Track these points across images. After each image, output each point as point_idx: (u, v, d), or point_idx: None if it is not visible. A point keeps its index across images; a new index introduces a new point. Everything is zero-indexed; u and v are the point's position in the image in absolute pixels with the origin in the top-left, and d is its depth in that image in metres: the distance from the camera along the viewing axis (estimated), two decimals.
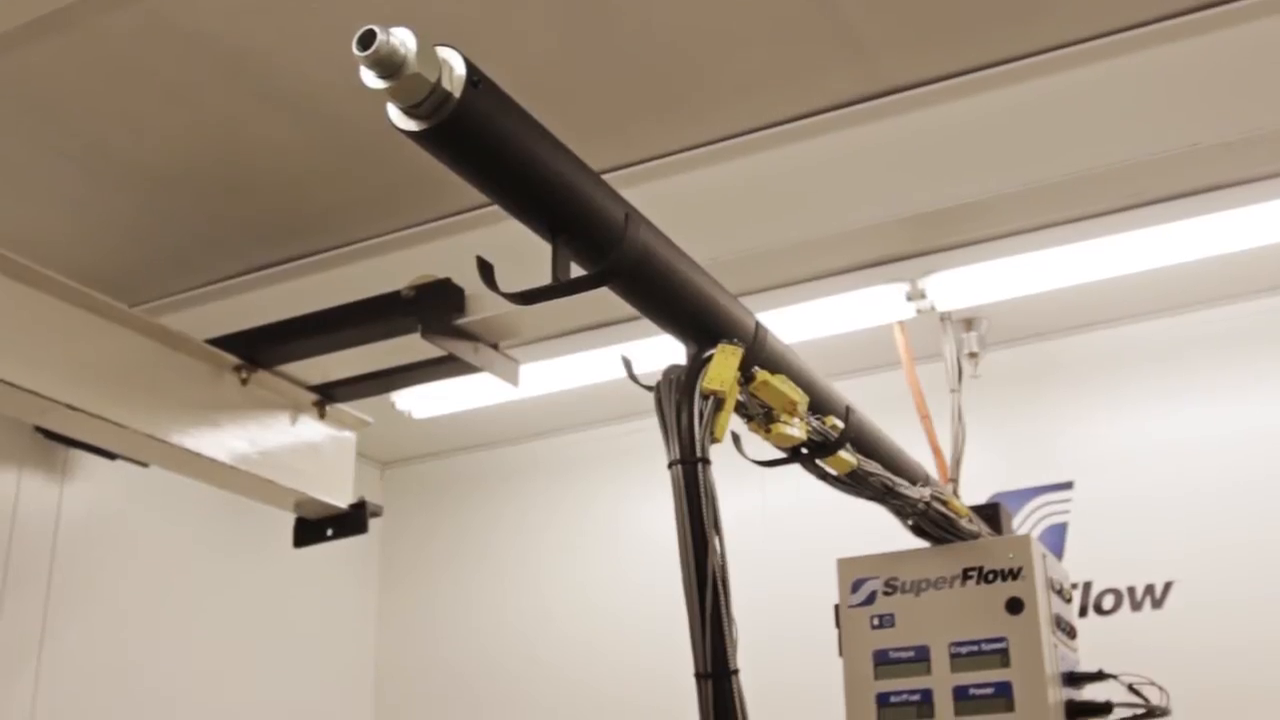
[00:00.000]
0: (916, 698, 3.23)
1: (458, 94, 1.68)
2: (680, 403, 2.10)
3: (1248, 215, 3.61)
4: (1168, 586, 4.37)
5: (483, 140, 1.76)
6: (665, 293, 2.19)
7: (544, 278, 1.96)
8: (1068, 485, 4.61)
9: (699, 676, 2.00)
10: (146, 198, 3.82)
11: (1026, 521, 4.56)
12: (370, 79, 1.63)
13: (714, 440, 2.08)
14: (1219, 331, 4.51)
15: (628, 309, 2.26)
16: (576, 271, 2.01)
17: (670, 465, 2.07)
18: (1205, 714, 3.88)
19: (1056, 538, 4.51)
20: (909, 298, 3.92)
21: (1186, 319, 4.55)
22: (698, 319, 2.27)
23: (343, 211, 3.90)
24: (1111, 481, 4.54)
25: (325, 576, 5.48)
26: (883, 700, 3.27)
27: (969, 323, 4.47)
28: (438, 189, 3.64)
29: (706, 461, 2.05)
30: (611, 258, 2.00)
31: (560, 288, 1.94)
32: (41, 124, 3.47)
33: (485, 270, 1.97)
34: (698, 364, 2.17)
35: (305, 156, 3.62)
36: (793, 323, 3.73)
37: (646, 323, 2.40)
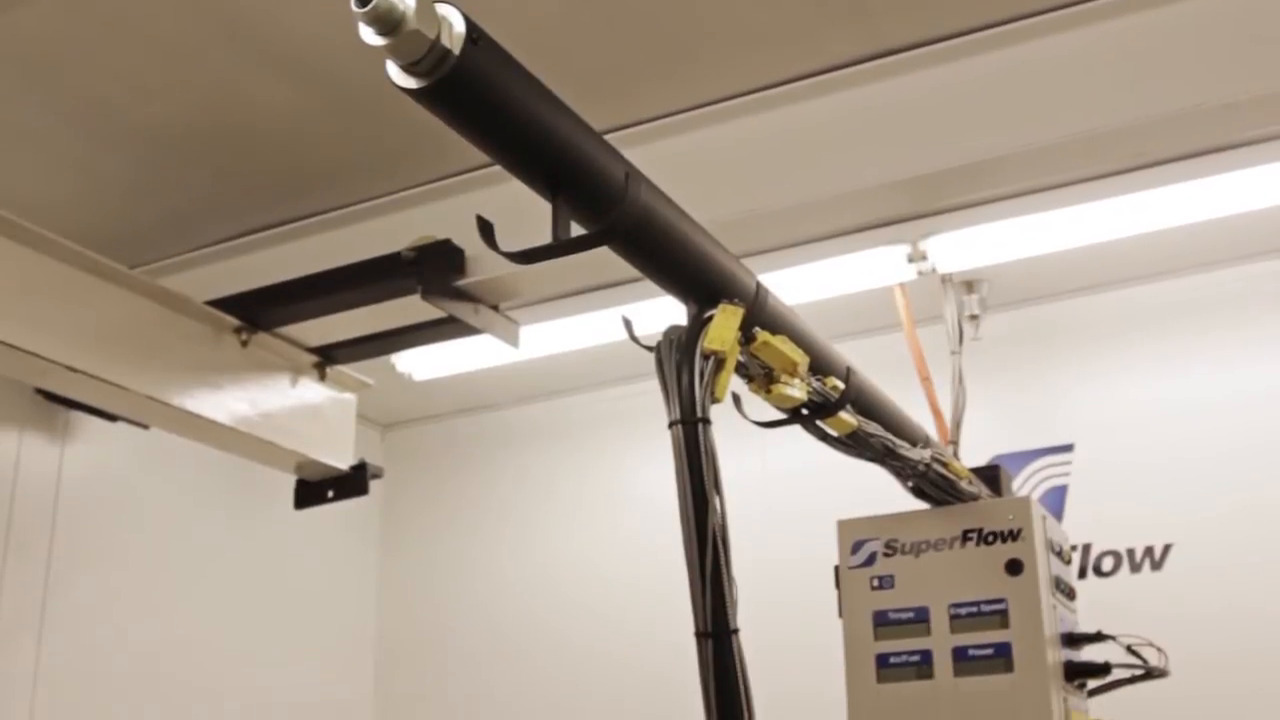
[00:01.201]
0: (916, 658, 3.24)
1: (457, 51, 1.67)
2: (681, 363, 2.09)
3: (1251, 177, 3.61)
4: (1167, 549, 4.39)
5: (482, 97, 1.75)
6: (666, 252, 2.19)
7: (544, 238, 1.95)
8: (1068, 448, 4.61)
9: (699, 635, 2.01)
10: (146, 159, 3.80)
11: (1027, 484, 4.57)
12: (369, 35, 1.62)
13: (714, 400, 2.08)
14: (1221, 294, 4.50)
15: (628, 270, 2.25)
16: (577, 231, 2.01)
17: (671, 425, 2.06)
18: (1203, 675, 3.90)
19: (1056, 500, 4.52)
20: (910, 259, 3.92)
21: (1188, 282, 4.54)
22: (698, 279, 2.26)
23: (343, 172, 3.88)
24: (1112, 444, 4.55)
25: (326, 539, 5.49)
26: (882, 661, 3.28)
27: (970, 285, 4.47)
28: (438, 149, 3.63)
29: (707, 421, 2.05)
30: (612, 216, 1.99)
31: (560, 247, 1.93)
32: (41, 85, 3.46)
33: (485, 229, 1.96)
34: (698, 324, 2.17)
35: (306, 117, 3.61)
36: (793, 284, 3.72)
37: (647, 284, 2.39)
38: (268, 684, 5.14)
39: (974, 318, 4.44)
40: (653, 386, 2.14)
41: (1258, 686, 4.09)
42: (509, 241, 2.00)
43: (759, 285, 2.42)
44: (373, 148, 3.76)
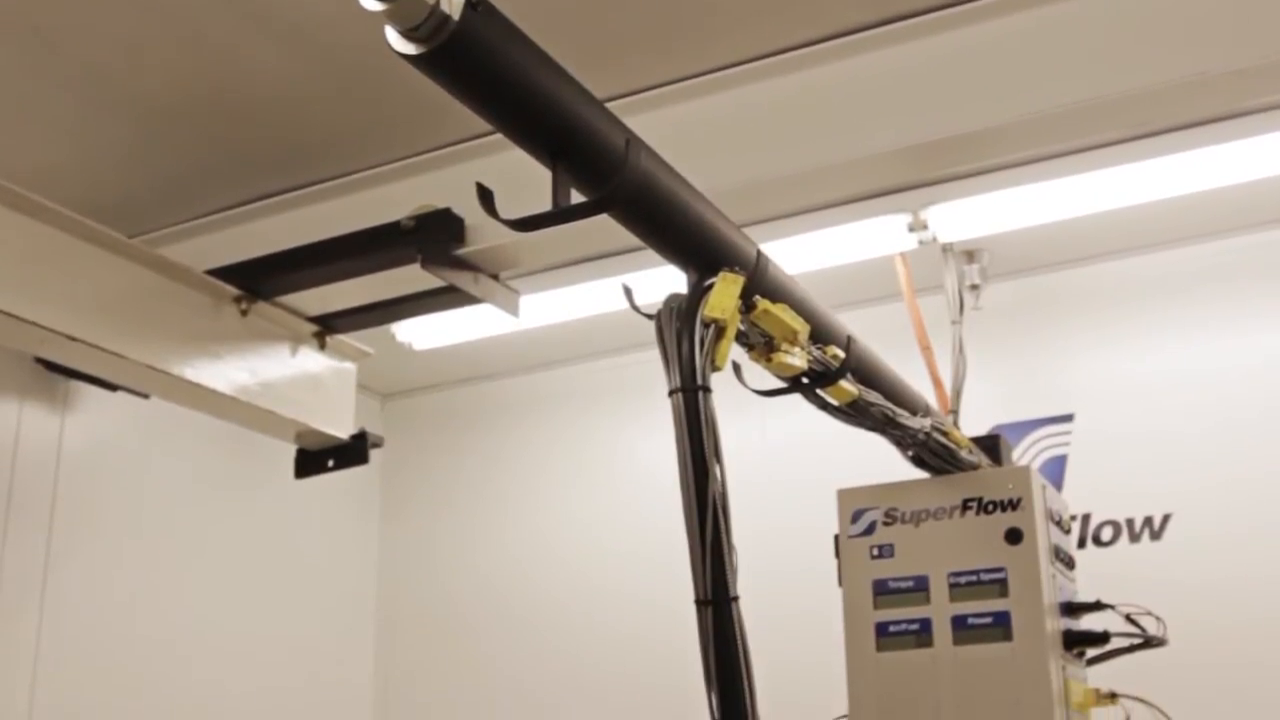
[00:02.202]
0: (915, 627, 3.25)
1: (457, 16, 1.66)
2: (681, 331, 2.09)
3: (1253, 146, 3.60)
4: (1166, 519, 4.39)
5: (482, 63, 1.75)
6: (666, 220, 2.18)
7: (545, 207, 1.95)
8: (1068, 418, 4.61)
9: (699, 603, 2.01)
10: (145, 127, 3.79)
11: (1026, 454, 4.57)
12: (368, 0, 1.61)
13: (715, 368, 2.08)
14: (1222, 264, 4.49)
15: (628, 240, 2.25)
16: (577, 198, 2.00)
17: (671, 393, 2.06)
18: (1201, 645, 3.91)
19: (1056, 470, 4.52)
20: (911, 229, 3.92)
21: (1190, 252, 4.53)
22: (699, 247, 2.26)
23: (342, 140, 3.87)
24: (1112, 414, 4.55)
25: (327, 508, 5.50)
26: (882, 629, 3.29)
27: (971, 254, 4.46)
28: (438, 117, 3.61)
29: (707, 389, 2.05)
30: (612, 184, 1.99)
31: (560, 214, 1.93)
32: (38, 52, 3.44)
33: (485, 196, 1.96)
34: (699, 292, 2.17)
35: (305, 84, 3.59)
36: (794, 253, 3.71)
37: (647, 254, 2.38)
38: (268, 653, 5.16)
39: (975, 287, 4.43)
40: (653, 356, 2.14)
41: (1256, 656, 4.10)
42: (509, 210, 2.00)
43: (760, 253, 2.42)
44: (372, 116, 3.75)
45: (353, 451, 4.44)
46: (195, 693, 4.79)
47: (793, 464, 4.83)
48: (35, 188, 3.52)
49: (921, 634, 3.24)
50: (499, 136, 1.96)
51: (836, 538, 3.43)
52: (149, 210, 4.22)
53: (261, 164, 3.98)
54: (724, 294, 2.14)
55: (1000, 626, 3.17)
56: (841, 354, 2.63)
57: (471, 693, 5.49)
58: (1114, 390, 4.58)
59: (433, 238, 3.65)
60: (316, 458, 4.49)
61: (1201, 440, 4.38)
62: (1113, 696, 3.33)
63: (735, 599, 2.02)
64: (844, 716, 3.32)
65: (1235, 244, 4.48)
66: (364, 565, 5.83)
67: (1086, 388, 4.63)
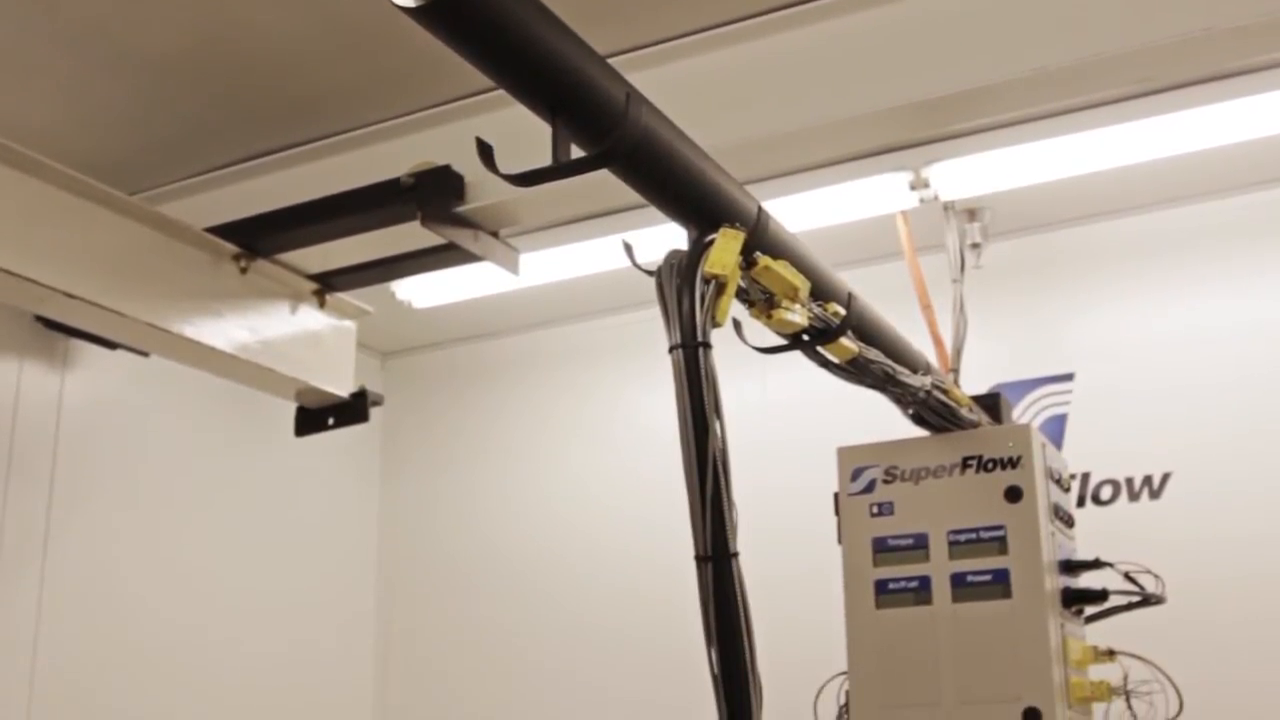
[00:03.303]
0: (915, 584, 3.26)
1: None
2: (681, 287, 2.09)
3: (1256, 104, 3.58)
4: (1165, 478, 4.40)
5: (481, 16, 1.74)
6: (666, 175, 2.18)
7: (545, 164, 1.94)
8: (1068, 377, 4.61)
9: (699, 559, 2.02)
10: (144, 84, 3.77)
11: (1027, 412, 4.57)
12: None
13: (715, 325, 2.08)
14: (1224, 223, 4.48)
15: (629, 197, 2.24)
16: (577, 154, 1.99)
17: (671, 350, 2.06)
18: (1199, 603, 3.93)
19: (1056, 429, 4.52)
20: (912, 187, 3.90)
21: (1191, 210, 4.52)
22: (699, 203, 2.25)
23: (342, 97, 3.85)
24: (1112, 373, 4.54)
25: (327, 467, 5.51)
26: (881, 587, 3.30)
27: (972, 213, 4.44)
28: (437, 73, 3.59)
29: (707, 346, 2.05)
30: (612, 138, 1.98)
31: (560, 169, 1.92)
32: (35, 9, 3.42)
33: (484, 151, 1.95)
34: (699, 248, 2.16)
35: (304, 41, 3.57)
36: (795, 211, 3.69)
37: (648, 212, 2.38)
38: (269, 610, 5.18)
39: (976, 246, 4.42)
40: (654, 314, 2.14)
41: (1253, 613, 4.12)
42: (509, 166, 1.99)
43: (760, 210, 2.41)
44: (372, 72, 3.73)
45: (353, 409, 4.44)
46: (196, 649, 4.80)
47: (793, 422, 4.83)
48: (34, 145, 3.50)
49: (921, 591, 3.25)
50: (499, 93, 1.95)
51: (836, 495, 3.44)
52: (148, 167, 4.21)
53: (261, 121, 3.97)
54: (724, 250, 2.14)
55: (999, 584, 3.18)
56: (842, 311, 2.63)
57: (472, 650, 5.52)
58: (1114, 349, 4.57)
59: (432, 195, 3.64)
60: (317, 416, 4.49)
61: (1201, 399, 4.38)
62: (1111, 654, 3.35)
63: (735, 555, 2.02)
64: (843, 673, 3.33)
65: (1237, 202, 4.46)
66: (364, 523, 5.84)
67: (1087, 347, 4.62)
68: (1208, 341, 4.43)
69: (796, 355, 2.65)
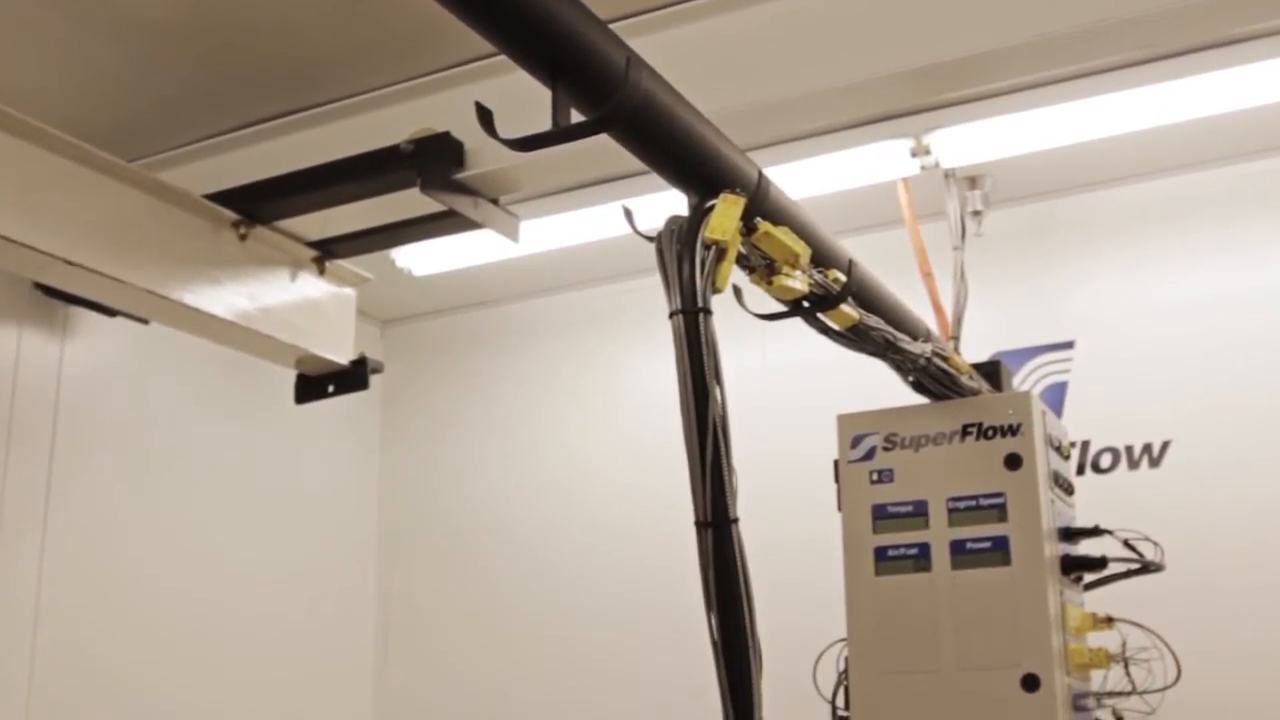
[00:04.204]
0: (914, 551, 3.27)
1: None
2: (682, 253, 2.09)
3: (1259, 71, 3.57)
4: (1165, 446, 4.40)
5: None
6: (667, 140, 2.17)
7: (545, 130, 1.93)
8: (1069, 345, 4.60)
9: (699, 525, 2.02)
10: (141, 48, 3.75)
11: (1027, 380, 4.57)
12: None
13: (715, 290, 2.08)
14: (1225, 191, 4.47)
15: (629, 164, 2.23)
16: (577, 119, 1.99)
17: (671, 315, 2.06)
18: (1198, 570, 3.94)
19: (1056, 397, 4.52)
20: (913, 154, 3.89)
21: (1193, 178, 4.50)
22: (699, 168, 2.24)
23: (341, 63, 3.83)
24: (1112, 341, 4.54)
25: (327, 435, 5.51)
26: (880, 554, 3.31)
27: (973, 180, 4.44)
28: (438, 38, 3.57)
29: (708, 311, 2.05)
30: (612, 103, 1.97)
31: (560, 133, 1.92)
32: None
33: (484, 116, 1.95)
34: (699, 213, 2.16)
35: (304, 5, 3.54)
36: (795, 178, 3.68)
37: (648, 179, 2.37)
38: (270, 577, 5.18)
39: (977, 213, 4.42)
40: (654, 282, 2.14)
41: (1252, 581, 4.12)
42: (509, 133, 1.99)
43: (761, 175, 2.41)
44: (371, 37, 3.71)
45: (353, 377, 4.44)
46: (196, 617, 4.82)
47: (793, 389, 4.82)
48: (30, 111, 3.48)
49: (920, 558, 3.26)
50: (500, 59, 1.95)
51: (836, 463, 3.44)
52: (146, 134, 4.19)
53: (260, 87, 3.95)
54: (725, 215, 2.14)
55: (999, 551, 3.19)
56: (843, 277, 2.62)
57: (472, 617, 5.53)
58: (1115, 317, 4.57)
59: (432, 161, 3.62)
60: (316, 383, 4.48)
61: (1202, 368, 4.38)
62: (1109, 621, 3.36)
63: (735, 521, 2.03)
64: (843, 640, 3.35)
65: (1238, 170, 4.45)
66: (364, 491, 5.84)
67: (1088, 314, 4.62)
68: (1208, 309, 4.42)
69: (797, 322, 2.65)
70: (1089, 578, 3.43)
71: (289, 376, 4.49)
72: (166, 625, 4.69)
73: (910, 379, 3.28)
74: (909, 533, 3.28)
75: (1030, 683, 3.07)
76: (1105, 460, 4.45)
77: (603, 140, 2.11)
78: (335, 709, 5.47)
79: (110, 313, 4.25)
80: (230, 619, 4.96)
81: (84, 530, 4.44)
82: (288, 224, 4.07)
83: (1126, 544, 3.40)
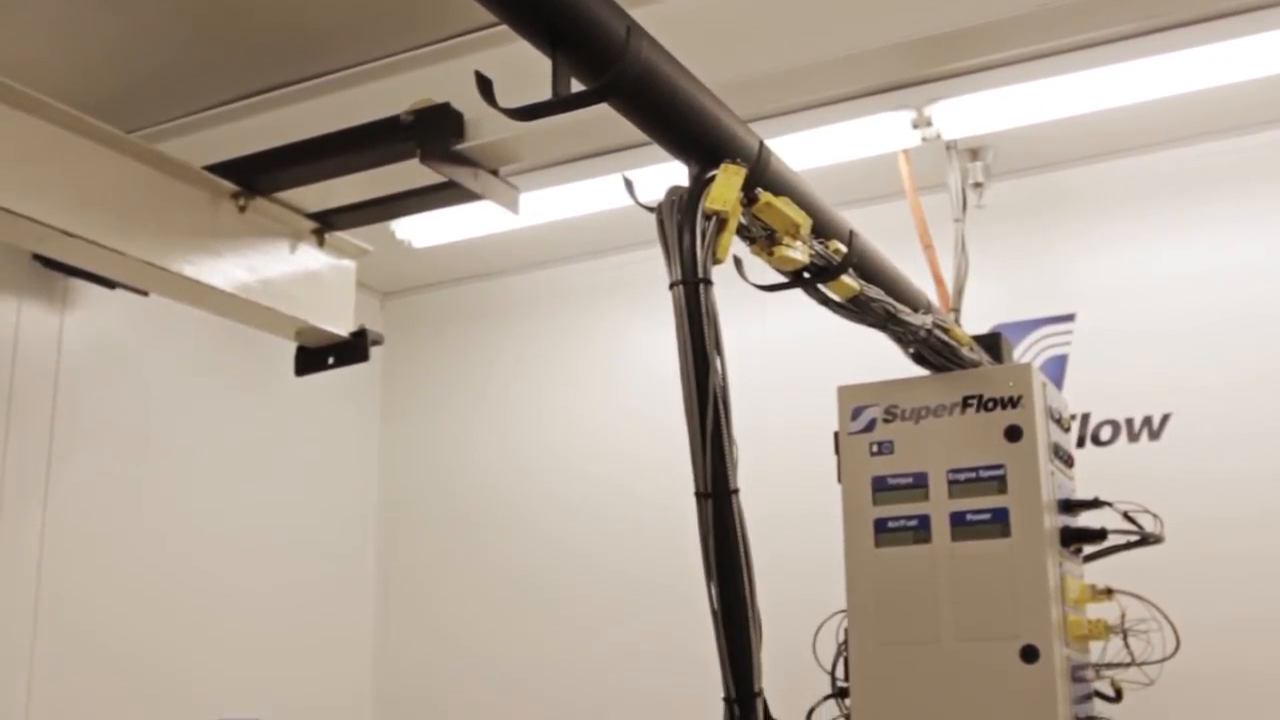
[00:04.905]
0: (914, 523, 3.27)
1: None
2: (682, 223, 2.08)
3: (1261, 43, 3.55)
4: (1165, 419, 4.39)
5: None
6: (667, 110, 2.16)
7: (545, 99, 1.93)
8: (1069, 317, 4.60)
9: (699, 496, 2.02)
10: (139, 18, 3.73)
11: (1027, 353, 4.56)
12: None
13: (716, 261, 2.07)
14: (1228, 163, 4.45)
15: (629, 136, 2.23)
16: (578, 89, 1.98)
17: (672, 286, 2.06)
18: (1197, 542, 3.95)
19: (1056, 369, 4.52)
20: (914, 125, 3.88)
21: (1195, 150, 4.49)
22: (700, 138, 2.24)
23: (341, 33, 3.81)
24: (1113, 314, 4.53)
25: (328, 407, 5.51)
26: (880, 526, 3.31)
27: (975, 152, 4.42)
28: (438, 8, 3.56)
29: (708, 282, 2.04)
30: (612, 72, 1.97)
31: (560, 103, 1.91)
32: None
33: (484, 86, 1.94)
34: (700, 184, 2.15)
35: None
36: (796, 150, 3.67)
37: (648, 151, 2.36)
38: (271, 550, 5.19)
39: (978, 185, 4.40)
40: (655, 254, 2.13)
41: (1250, 553, 4.13)
42: (509, 104, 1.98)
43: (762, 145, 2.40)
44: (371, 7, 3.69)
45: (353, 349, 4.43)
46: (197, 589, 4.83)
47: (793, 361, 4.82)
48: (28, 82, 3.47)
49: (920, 530, 3.26)
50: (500, 29, 1.94)
51: (836, 434, 3.44)
52: (145, 105, 4.18)
53: (259, 58, 3.93)
54: (725, 186, 2.13)
55: (999, 523, 3.19)
56: (844, 248, 2.62)
57: (472, 588, 5.54)
58: (1116, 290, 4.56)
59: (432, 132, 3.61)
60: (316, 355, 4.48)
61: (1202, 340, 4.37)
62: (1109, 592, 3.37)
63: (735, 492, 2.03)
64: (842, 611, 3.35)
65: (1241, 143, 4.43)
66: (365, 462, 5.85)
67: (1088, 287, 4.61)
68: (1209, 282, 4.42)
69: (797, 294, 2.64)
70: (1088, 549, 3.43)
71: (289, 349, 4.48)
72: (167, 596, 4.70)
73: (911, 351, 3.28)
74: (909, 504, 3.28)
75: (1029, 654, 3.07)
76: (1105, 433, 4.45)
77: (603, 111, 2.11)
78: (336, 679, 5.49)
79: (110, 285, 4.25)
80: (231, 590, 4.97)
81: (85, 501, 4.45)
82: (287, 195, 4.06)
83: (1126, 516, 3.41)
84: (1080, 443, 4.38)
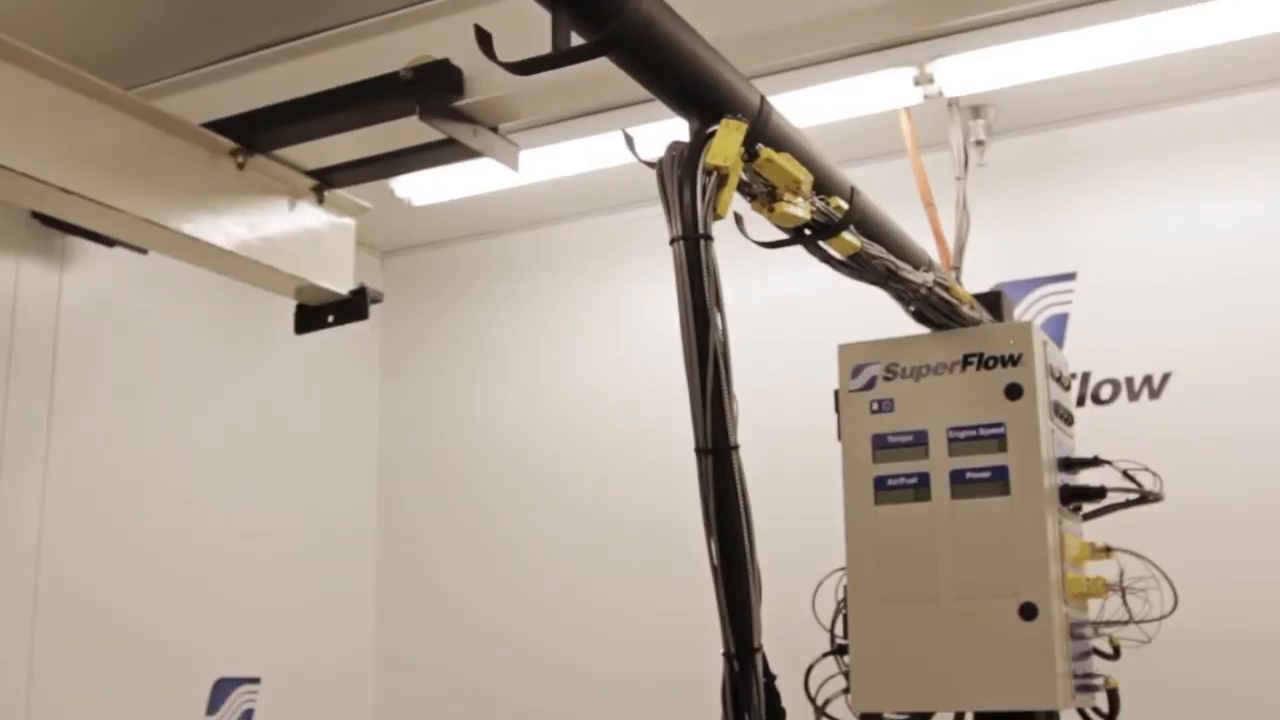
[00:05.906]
0: (914, 481, 3.27)
1: None
2: (683, 178, 2.07)
3: (1266, 1, 3.53)
4: (1166, 378, 4.40)
5: None
6: (668, 65, 2.15)
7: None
8: (1070, 276, 4.59)
9: (699, 452, 2.02)
10: None
11: (1028, 311, 4.56)
12: None
13: (716, 217, 2.07)
14: (1230, 122, 4.43)
15: (629, 92, 2.21)
16: (577, 42, 1.97)
17: (672, 242, 2.05)
18: (1197, 501, 3.96)
19: (1057, 328, 4.52)
20: (916, 83, 3.86)
21: (1199, 108, 4.47)
22: (701, 93, 2.22)
23: None
24: (1114, 273, 4.53)
25: (328, 366, 5.51)
26: (880, 483, 3.31)
27: (977, 110, 4.40)
28: None
29: (709, 238, 2.03)
30: (613, 25, 1.95)
31: (560, 56, 1.90)
32: None
33: (483, 39, 1.93)
34: (701, 139, 2.14)
35: None
36: (797, 107, 3.65)
37: (649, 108, 2.35)
38: (271, 508, 5.21)
39: (980, 143, 4.39)
40: (656, 212, 2.12)
41: (1250, 512, 4.14)
42: (509, 58, 1.97)
43: (763, 101, 2.39)
44: None
45: (353, 307, 4.43)
46: (198, 547, 4.84)
47: (794, 319, 4.82)
48: (25, 37, 3.44)
49: (920, 488, 3.26)
50: None
51: (836, 392, 3.44)
52: (143, 61, 4.15)
53: (257, 13, 3.90)
54: (726, 141, 2.12)
55: (998, 481, 3.19)
56: (845, 205, 2.61)
57: (473, 545, 5.56)
58: (1117, 249, 4.55)
59: (431, 89, 3.59)
60: (316, 313, 4.48)
61: (1203, 300, 4.37)
62: (1108, 550, 3.37)
63: (735, 448, 2.03)
64: (841, 569, 3.36)
65: (1243, 101, 4.41)
66: (365, 421, 5.86)
67: (1090, 246, 4.60)
68: (1210, 242, 4.41)
69: (798, 252, 2.64)
70: (1088, 508, 3.44)
71: (289, 307, 4.48)
72: (168, 554, 4.72)
73: (911, 309, 3.27)
74: (909, 462, 3.28)
75: (1028, 611, 3.08)
76: (1105, 391, 4.45)
77: (603, 66, 2.09)
78: (338, 636, 5.52)
79: (109, 243, 4.24)
80: (232, 548, 4.99)
81: (85, 459, 4.45)
82: (286, 153, 4.04)
83: (1125, 474, 3.41)
84: (1080, 401, 4.39)
